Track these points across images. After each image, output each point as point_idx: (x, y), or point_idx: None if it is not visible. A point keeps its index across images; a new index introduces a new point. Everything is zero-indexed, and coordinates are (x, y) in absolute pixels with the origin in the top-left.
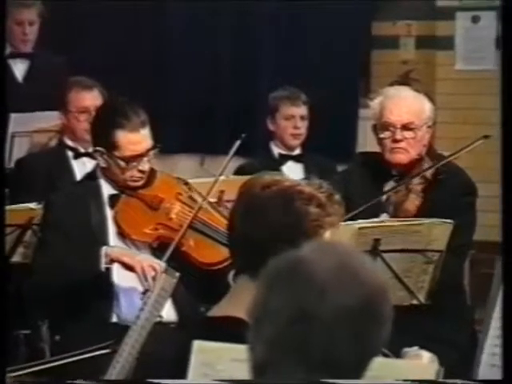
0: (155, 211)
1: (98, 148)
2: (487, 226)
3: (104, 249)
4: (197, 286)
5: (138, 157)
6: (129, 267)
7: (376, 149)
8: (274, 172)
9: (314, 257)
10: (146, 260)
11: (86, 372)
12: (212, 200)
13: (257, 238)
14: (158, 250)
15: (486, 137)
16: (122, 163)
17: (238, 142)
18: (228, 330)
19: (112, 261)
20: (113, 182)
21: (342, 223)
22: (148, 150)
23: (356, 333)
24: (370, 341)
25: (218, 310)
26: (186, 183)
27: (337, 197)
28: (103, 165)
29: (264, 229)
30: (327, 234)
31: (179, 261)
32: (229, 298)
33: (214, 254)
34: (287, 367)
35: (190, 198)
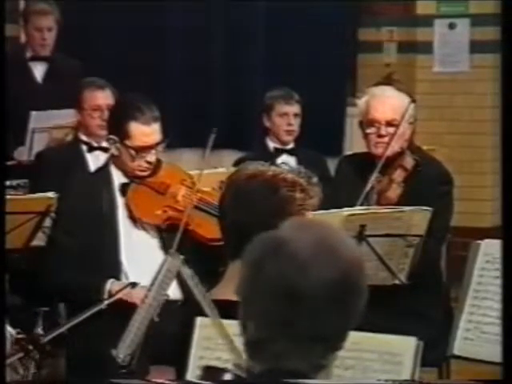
0: (163, 195)
1: (111, 136)
2: (462, 212)
3: (109, 283)
4: (201, 264)
5: (148, 148)
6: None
7: (362, 143)
8: (257, 162)
9: (294, 235)
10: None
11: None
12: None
13: (247, 226)
14: (166, 231)
15: (413, 101)
16: (133, 152)
17: (212, 136)
18: (225, 312)
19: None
20: (122, 170)
21: (331, 211)
22: (157, 144)
23: (337, 304)
24: (350, 311)
25: (216, 294)
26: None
27: (315, 179)
28: (115, 153)
29: (253, 217)
30: (310, 215)
31: (188, 239)
32: (225, 281)
33: (218, 230)
34: (276, 341)
35: (193, 183)
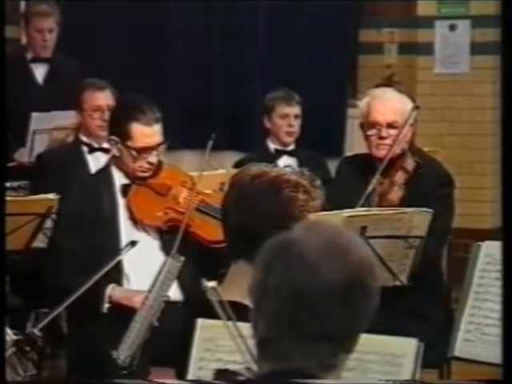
0: (164, 197)
1: (112, 137)
2: (462, 214)
3: (109, 288)
4: (202, 266)
5: (149, 149)
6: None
7: (362, 144)
8: (260, 163)
9: (304, 237)
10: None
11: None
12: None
13: (250, 226)
14: (167, 233)
15: (416, 107)
16: (134, 153)
17: (210, 142)
18: None
19: (113, 302)
20: (123, 171)
21: (332, 212)
22: (158, 145)
23: (347, 305)
24: (360, 312)
25: None
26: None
27: (318, 182)
28: (116, 154)
29: (256, 217)
30: (312, 217)
31: (189, 240)
32: (227, 282)
33: (220, 232)
34: (286, 341)
35: (194, 184)
